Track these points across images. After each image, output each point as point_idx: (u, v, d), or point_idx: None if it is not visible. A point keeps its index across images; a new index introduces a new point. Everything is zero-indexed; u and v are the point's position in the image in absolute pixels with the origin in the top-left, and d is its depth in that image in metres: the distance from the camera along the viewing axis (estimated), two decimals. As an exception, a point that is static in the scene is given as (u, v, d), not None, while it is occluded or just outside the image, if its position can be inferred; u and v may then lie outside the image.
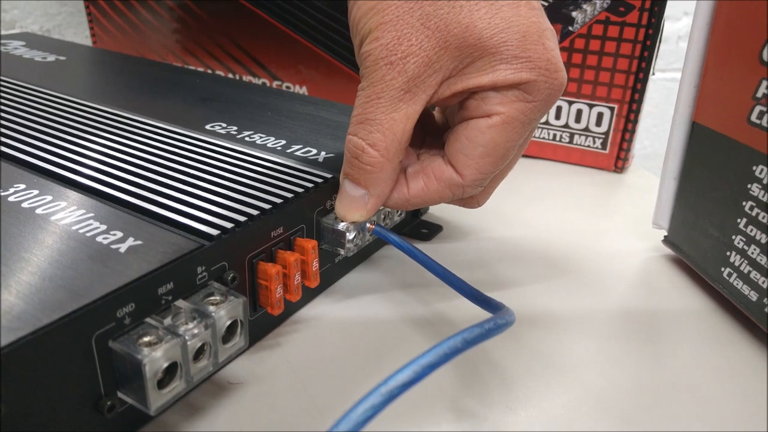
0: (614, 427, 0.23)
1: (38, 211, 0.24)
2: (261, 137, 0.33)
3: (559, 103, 0.48)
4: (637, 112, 0.45)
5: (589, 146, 0.48)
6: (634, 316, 0.30)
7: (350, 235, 0.28)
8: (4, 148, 0.30)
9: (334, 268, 0.31)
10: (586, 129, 0.48)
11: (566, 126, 0.48)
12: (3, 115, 0.35)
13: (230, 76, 0.59)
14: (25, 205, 0.25)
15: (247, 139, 0.33)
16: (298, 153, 0.31)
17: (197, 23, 0.59)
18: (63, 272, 0.20)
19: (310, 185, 0.27)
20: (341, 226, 0.27)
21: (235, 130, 0.34)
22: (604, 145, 0.48)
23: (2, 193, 0.25)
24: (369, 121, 0.24)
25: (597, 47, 0.45)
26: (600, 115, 0.47)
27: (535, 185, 0.45)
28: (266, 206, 0.25)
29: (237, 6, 0.55)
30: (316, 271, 0.27)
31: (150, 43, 0.63)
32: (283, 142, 0.32)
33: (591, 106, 0.47)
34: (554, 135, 0.49)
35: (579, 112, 0.48)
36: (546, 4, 0.45)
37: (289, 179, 0.28)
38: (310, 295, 0.29)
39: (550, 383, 0.25)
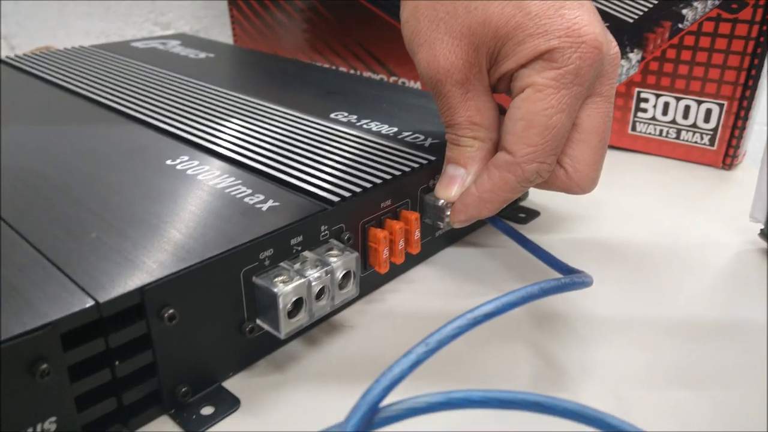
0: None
1: (199, 177, 0.30)
2: (377, 125, 0.38)
3: (666, 99, 0.48)
4: (748, 108, 0.45)
5: (696, 142, 0.48)
6: (718, 306, 0.31)
7: (449, 211, 0.31)
8: (171, 128, 0.37)
9: (434, 241, 0.35)
10: (694, 125, 0.48)
11: (673, 122, 0.49)
12: (169, 102, 0.42)
13: (351, 72, 0.64)
14: (189, 172, 0.31)
15: (365, 126, 0.37)
16: (407, 139, 0.35)
17: (324, 24, 0.65)
18: (220, 222, 0.26)
19: (416, 165, 0.31)
20: (441, 203, 0.31)
21: (355, 119, 0.39)
22: (712, 142, 0.48)
23: (171, 163, 0.32)
24: (453, 125, 0.29)
25: (707, 44, 0.45)
26: (708, 112, 0.47)
27: (637, 178, 0.46)
28: (378, 181, 0.30)
29: (360, 8, 0.60)
30: (417, 240, 0.31)
31: (282, 42, 0.70)
32: (396, 129, 0.37)
33: (699, 103, 0.47)
34: (661, 131, 0.50)
35: (687, 109, 0.48)
36: (656, 1, 0.46)
37: (399, 160, 0.32)
38: (412, 261, 0.34)
39: (630, 362, 0.27)
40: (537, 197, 0.42)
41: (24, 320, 0.19)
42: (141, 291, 0.21)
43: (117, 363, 0.21)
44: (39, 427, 0.19)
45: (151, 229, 0.25)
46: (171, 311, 0.22)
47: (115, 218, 0.26)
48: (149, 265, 0.22)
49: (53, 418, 0.20)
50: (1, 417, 0.19)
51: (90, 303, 0.20)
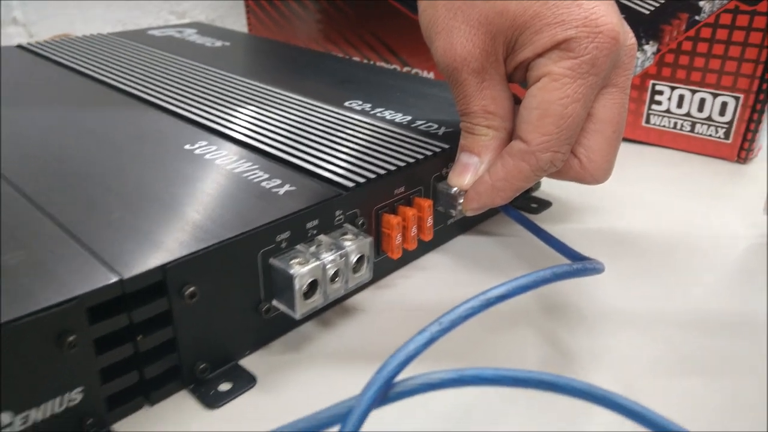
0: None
1: (217, 161, 0.31)
2: (391, 113, 0.38)
3: (681, 91, 0.48)
4: (765, 102, 0.45)
5: (711, 136, 0.48)
6: (729, 298, 0.31)
7: (462, 199, 0.32)
8: (189, 114, 0.37)
9: (446, 229, 0.35)
10: (709, 118, 0.48)
11: (688, 115, 0.49)
12: (187, 88, 0.43)
13: (365, 61, 0.65)
14: (207, 157, 0.31)
15: (378, 114, 0.38)
16: (421, 127, 0.36)
17: (338, 14, 0.65)
18: (238, 205, 0.26)
19: (429, 153, 0.32)
20: (454, 190, 0.32)
21: (369, 107, 0.39)
22: (727, 135, 0.48)
23: (190, 147, 0.33)
24: (467, 114, 0.29)
25: (724, 36, 0.45)
26: (724, 105, 0.47)
27: (650, 171, 0.46)
28: (391, 168, 0.30)
29: (376, -2, 0.61)
30: (430, 227, 0.32)
31: (297, 31, 0.71)
32: (410, 117, 0.37)
33: (715, 96, 0.47)
34: (675, 123, 0.50)
35: (702, 101, 0.48)
36: (672, -7, 0.46)
37: (412, 147, 0.32)
38: (424, 248, 0.34)
39: (640, 351, 0.28)
40: (549, 187, 0.42)
41: (52, 294, 0.20)
42: (163, 269, 0.22)
43: (140, 338, 0.22)
44: (67, 396, 0.20)
45: (172, 210, 0.26)
46: (192, 289, 0.23)
47: (136, 200, 0.27)
48: (170, 244, 0.23)
49: (80, 388, 0.21)
50: (31, 386, 0.19)
51: (114, 279, 0.21)
